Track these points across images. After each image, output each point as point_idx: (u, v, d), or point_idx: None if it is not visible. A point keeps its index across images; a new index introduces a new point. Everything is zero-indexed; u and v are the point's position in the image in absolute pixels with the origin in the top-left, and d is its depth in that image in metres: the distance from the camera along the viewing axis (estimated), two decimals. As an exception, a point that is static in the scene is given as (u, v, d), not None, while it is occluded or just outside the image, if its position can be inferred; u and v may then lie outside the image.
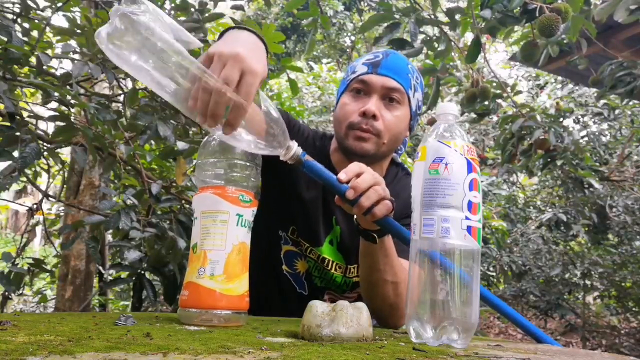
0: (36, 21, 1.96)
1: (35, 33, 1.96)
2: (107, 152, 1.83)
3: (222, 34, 0.91)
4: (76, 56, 1.85)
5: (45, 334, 0.57)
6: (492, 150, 5.59)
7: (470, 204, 0.71)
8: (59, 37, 2.12)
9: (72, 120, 1.66)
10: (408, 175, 1.32)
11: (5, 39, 1.47)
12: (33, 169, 2.25)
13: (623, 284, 4.79)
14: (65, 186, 2.89)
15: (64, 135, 1.62)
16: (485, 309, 4.50)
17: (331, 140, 1.30)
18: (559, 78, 5.54)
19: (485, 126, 5.84)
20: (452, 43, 2.33)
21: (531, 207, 5.75)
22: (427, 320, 0.69)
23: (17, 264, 1.68)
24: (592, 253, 4.86)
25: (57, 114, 1.67)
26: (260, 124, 0.83)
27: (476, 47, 2.06)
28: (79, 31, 1.93)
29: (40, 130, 1.97)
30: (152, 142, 2.08)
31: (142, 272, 1.53)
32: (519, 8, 1.91)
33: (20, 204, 3.09)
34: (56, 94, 1.50)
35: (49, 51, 2.02)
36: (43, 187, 2.13)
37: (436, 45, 2.33)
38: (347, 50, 9.57)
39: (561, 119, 4.17)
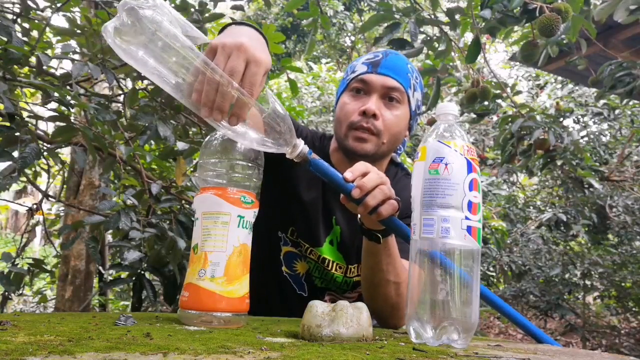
0: (36, 21, 1.96)
1: (35, 33, 1.96)
2: (107, 153, 1.83)
3: (222, 30, 0.91)
4: (76, 56, 1.85)
5: (45, 334, 0.57)
6: (492, 150, 5.60)
7: (470, 204, 0.71)
8: (59, 38, 2.12)
9: (72, 120, 1.66)
10: (408, 175, 1.32)
11: (5, 39, 1.47)
12: (33, 169, 2.25)
13: (623, 284, 4.78)
14: (65, 186, 2.89)
15: (63, 135, 1.62)
16: (485, 309, 4.50)
17: (330, 140, 1.30)
18: (559, 78, 5.54)
19: (485, 126, 5.84)
20: (452, 43, 2.33)
21: (531, 207, 5.74)
22: (427, 321, 0.69)
23: (17, 264, 1.68)
24: (592, 253, 4.85)
25: (57, 114, 1.67)
26: (267, 121, 0.82)
27: (476, 47, 2.06)
28: (79, 31, 1.93)
29: (40, 131, 1.97)
30: (152, 142, 2.08)
31: (142, 272, 1.52)
32: (519, 8, 1.91)
33: (20, 204, 3.08)
34: (56, 94, 1.50)
35: (48, 51, 2.02)
36: (43, 187, 2.13)
37: (436, 45, 2.33)
38: (347, 50, 9.57)
39: (561, 119, 4.17)
